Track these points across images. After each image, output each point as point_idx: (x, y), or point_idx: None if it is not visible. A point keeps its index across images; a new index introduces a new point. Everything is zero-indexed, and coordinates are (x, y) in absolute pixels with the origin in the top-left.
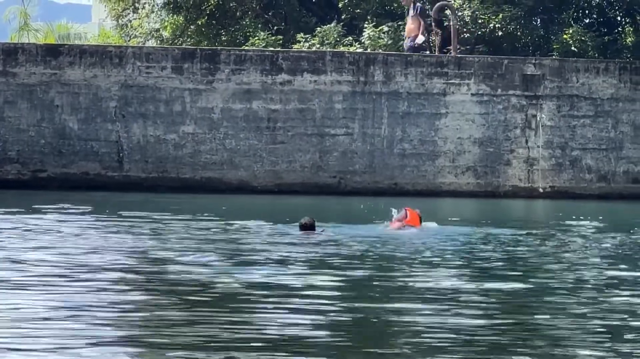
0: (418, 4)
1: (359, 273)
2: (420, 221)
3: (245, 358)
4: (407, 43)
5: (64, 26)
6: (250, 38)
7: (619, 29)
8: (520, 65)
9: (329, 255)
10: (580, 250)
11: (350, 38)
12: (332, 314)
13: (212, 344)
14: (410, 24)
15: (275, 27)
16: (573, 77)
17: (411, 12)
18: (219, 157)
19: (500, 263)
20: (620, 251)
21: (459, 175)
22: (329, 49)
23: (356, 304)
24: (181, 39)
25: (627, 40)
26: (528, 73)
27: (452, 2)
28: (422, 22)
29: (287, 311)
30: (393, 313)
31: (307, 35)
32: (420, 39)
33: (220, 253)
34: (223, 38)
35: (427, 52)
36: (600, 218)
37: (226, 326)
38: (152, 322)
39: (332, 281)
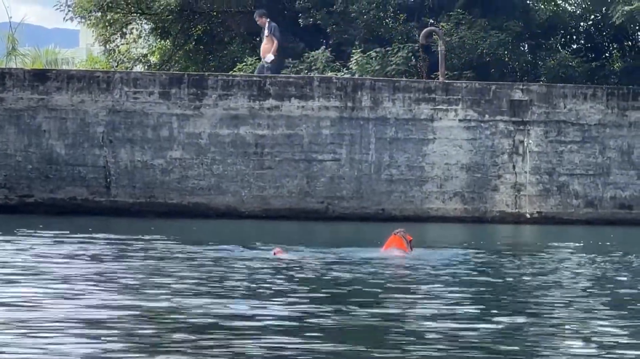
0: (272, 23)
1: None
2: (409, 245)
3: None
4: (261, 63)
5: (51, 51)
6: (238, 63)
7: (607, 54)
8: (507, 90)
9: (295, 280)
10: (568, 275)
11: (338, 63)
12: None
13: None
14: (265, 44)
15: None
16: (560, 103)
17: (265, 32)
18: (207, 182)
19: (485, 289)
20: (609, 275)
21: (446, 200)
22: (316, 75)
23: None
24: (169, 64)
25: (615, 66)
26: (515, 99)
27: (440, 27)
28: (275, 42)
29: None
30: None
31: (295, 61)
32: (269, 57)
33: (191, 279)
34: (211, 63)
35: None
36: (590, 242)
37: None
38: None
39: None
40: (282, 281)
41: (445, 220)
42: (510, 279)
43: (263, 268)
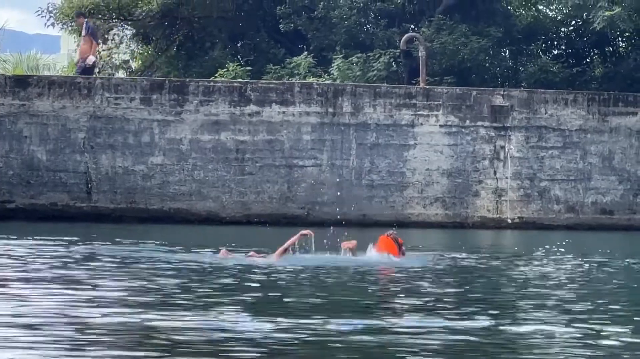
0: (90, 24)
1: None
2: (400, 248)
3: None
4: (79, 64)
5: (33, 57)
6: (219, 69)
7: (588, 60)
8: (488, 96)
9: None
10: (549, 279)
11: (319, 69)
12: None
13: None
14: (82, 45)
15: (244, 58)
16: (541, 108)
17: (83, 32)
18: (188, 187)
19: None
20: (595, 281)
21: (427, 206)
22: (297, 80)
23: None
24: (150, 70)
25: (596, 71)
26: (496, 104)
27: (421, 33)
28: (93, 43)
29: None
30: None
31: (276, 67)
32: (91, 59)
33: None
34: (193, 69)
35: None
36: (573, 248)
37: None
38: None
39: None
40: (266, 289)
41: (426, 225)
42: (511, 284)
43: (247, 274)
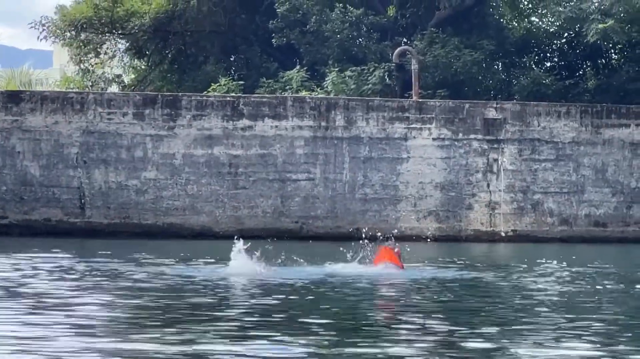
0: None
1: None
2: (399, 258)
3: None
4: None
5: (25, 72)
6: (212, 83)
7: (580, 72)
8: (481, 109)
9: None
10: (546, 292)
11: (312, 83)
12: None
13: None
14: None
15: (237, 72)
16: (534, 121)
17: None
18: (181, 202)
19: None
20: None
21: (420, 219)
22: (290, 94)
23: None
24: (143, 85)
25: (589, 84)
26: (489, 117)
27: (414, 46)
28: None
29: None
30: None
31: (270, 80)
32: None
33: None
34: (186, 83)
35: None
36: (574, 258)
37: None
38: None
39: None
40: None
41: (419, 239)
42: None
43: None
